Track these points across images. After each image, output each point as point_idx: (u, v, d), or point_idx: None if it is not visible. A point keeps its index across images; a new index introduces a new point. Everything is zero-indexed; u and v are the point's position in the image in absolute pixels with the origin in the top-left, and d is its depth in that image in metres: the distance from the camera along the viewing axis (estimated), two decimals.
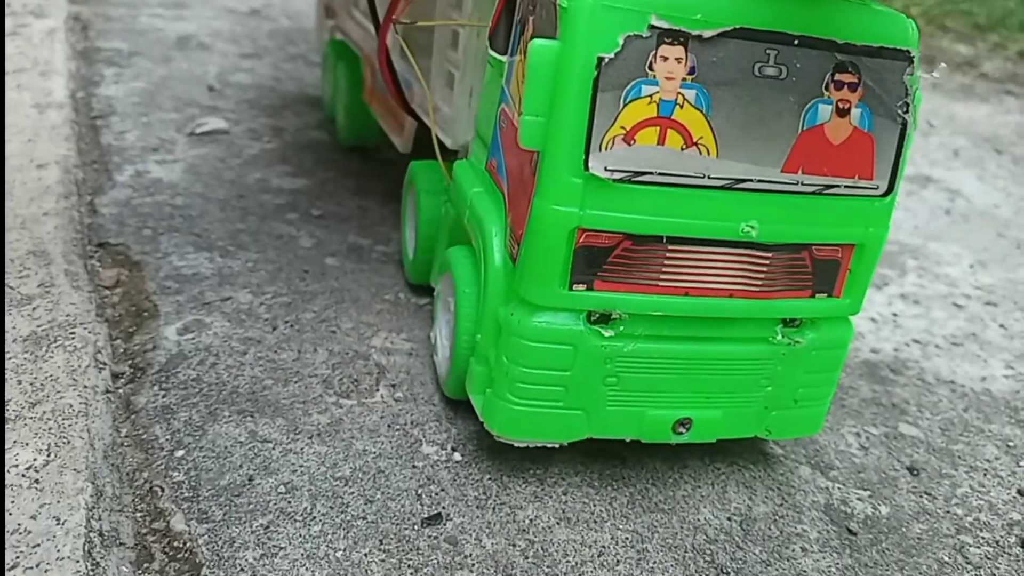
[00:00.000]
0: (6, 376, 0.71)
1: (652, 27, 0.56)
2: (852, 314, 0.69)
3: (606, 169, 0.58)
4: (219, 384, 0.77)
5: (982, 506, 0.76)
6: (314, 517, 0.63)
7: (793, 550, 0.67)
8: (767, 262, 0.64)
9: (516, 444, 0.68)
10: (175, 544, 0.60)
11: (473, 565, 0.61)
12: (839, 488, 0.75)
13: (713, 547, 0.66)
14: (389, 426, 0.74)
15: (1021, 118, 2.19)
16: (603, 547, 0.64)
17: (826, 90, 0.61)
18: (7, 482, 0.61)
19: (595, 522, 0.67)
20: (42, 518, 0.58)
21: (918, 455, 0.82)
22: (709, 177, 0.60)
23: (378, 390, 0.78)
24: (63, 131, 1.24)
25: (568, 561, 0.63)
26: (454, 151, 0.88)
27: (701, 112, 0.59)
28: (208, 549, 0.59)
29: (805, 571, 0.65)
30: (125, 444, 0.69)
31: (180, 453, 0.68)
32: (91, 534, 0.58)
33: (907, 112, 0.63)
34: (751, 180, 0.61)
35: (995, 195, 1.61)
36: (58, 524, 0.58)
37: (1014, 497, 0.78)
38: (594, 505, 0.68)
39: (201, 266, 0.96)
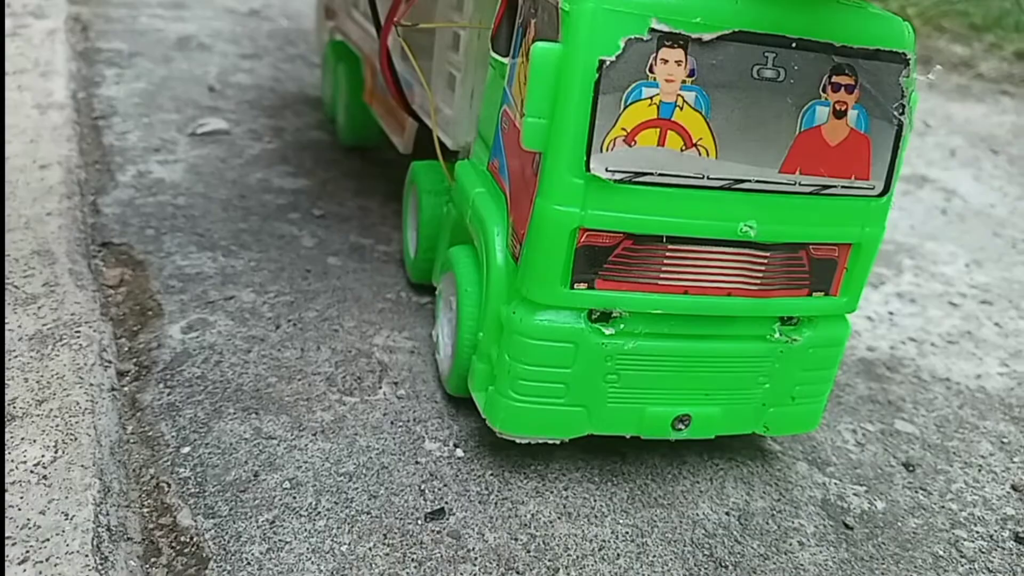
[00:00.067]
0: (14, 374, 0.72)
1: (652, 30, 0.57)
2: (849, 312, 0.70)
3: (607, 170, 0.59)
4: (224, 382, 0.77)
5: (976, 501, 0.77)
6: (319, 512, 0.64)
7: (790, 544, 0.68)
8: (765, 261, 0.65)
9: (518, 440, 0.69)
10: (182, 539, 0.61)
11: (476, 559, 0.62)
12: (836, 483, 0.76)
13: (712, 541, 0.67)
14: (392, 423, 0.75)
15: (1017, 118, 2.20)
16: (603, 541, 0.65)
17: (823, 92, 0.62)
18: (16, 478, 0.62)
19: (595, 517, 0.68)
20: (51, 513, 0.59)
21: (914, 451, 0.83)
22: (708, 178, 0.61)
23: (381, 387, 0.79)
24: (65, 131, 1.25)
25: (569, 555, 0.64)
26: (455, 152, 0.89)
27: (700, 114, 0.60)
28: (215, 543, 0.60)
29: (802, 564, 0.66)
30: (131, 441, 0.70)
31: (186, 450, 0.69)
32: (99, 529, 0.59)
33: (903, 113, 0.64)
34: (749, 181, 0.62)
35: (991, 195, 1.62)
36: (67, 519, 0.59)
37: (1008, 492, 0.79)
38: (594, 500, 0.69)
39: (204, 265, 0.97)
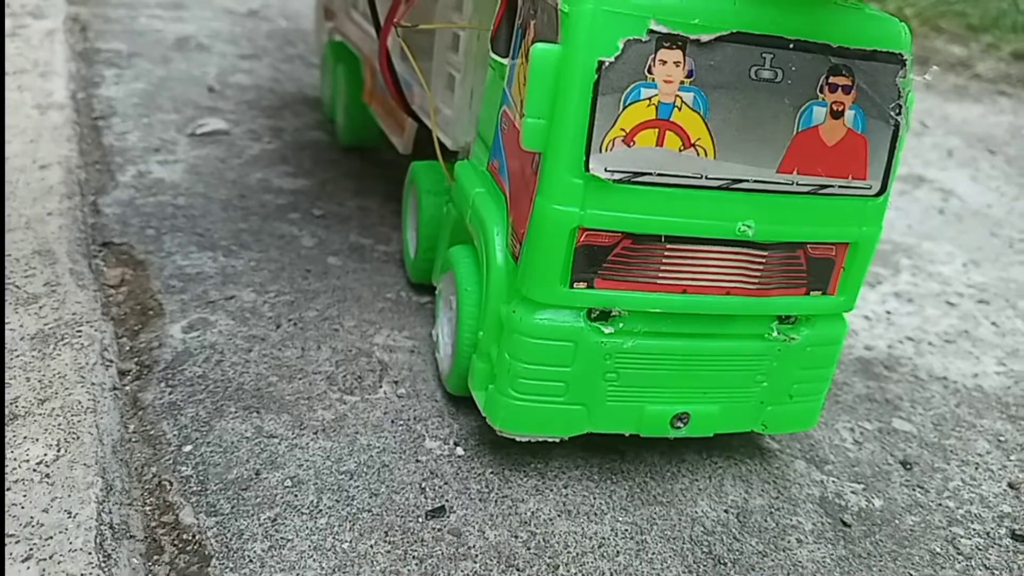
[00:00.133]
0: (16, 374, 0.72)
1: (651, 31, 0.58)
2: (846, 311, 0.71)
3: (606, 170, 0.60)
4: (225, 381, 0.78)
5: (973, 499, 0.77)
6: (320, 510, 0.65)
7: (789, 541, 0.69)
8: (763, 260, 0.65)
9: (518, 439, 0.69)
10: (184, 537, 0.61)
11: (476, 556, 0.62)
12: (833, 481, 0.77)
13: (711, 538, 0.68)
14: (392, 422, 0.75)
15: (1014, 118, 2.21)
16: (603, 538, 0.66)
17: (820, 92, 0.62)
18: (19, 477, 0.62)
19: (595, 514, 0.68)
20: (54, 511, 0.59)
21: (911, 449, 0.83)
22: (706, 177, 0.61)
23: (381, 386, 0.80)
24: (65, 132, 1.25)
25: (569, 552, 0.64)
26: (454, 152, 0.90)
27: (699, 114, 0.60)
28: (217, 541, 0.61)
29: (800, 562, 0.67)
30: (133, 440, 0.70)
31: (188, 448, 0.69)
32: (102, 527, 0.59)
33: (900, 114, 0.64)
34: (747, 180, 0.62)
35: (988, 195, 1.63)
36: (70, 517, 0.59)
37: (1004, 490, 0.79)
38: (594, 498, 0.70)
39: (205, 265, 0.97)
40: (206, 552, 0.60)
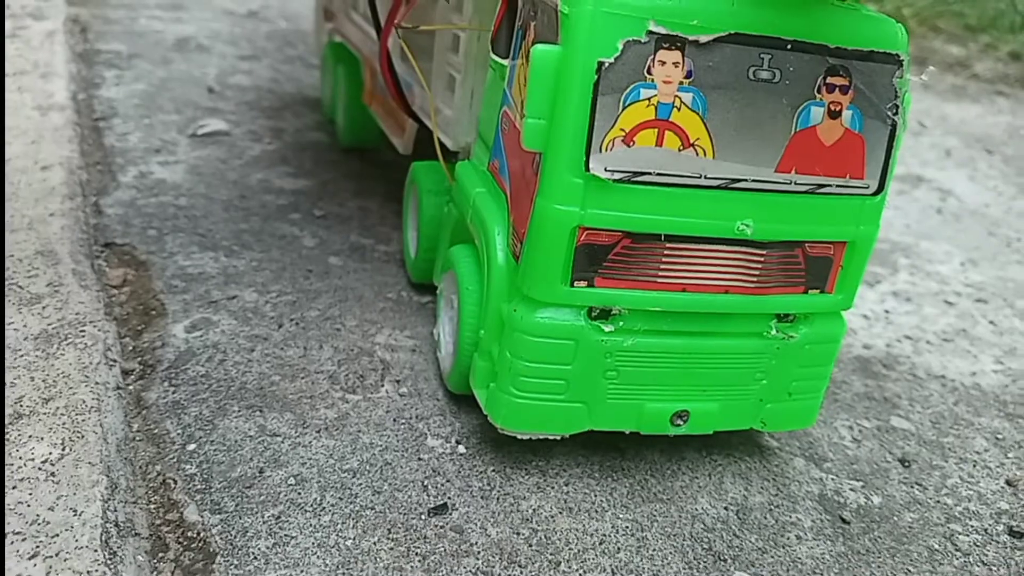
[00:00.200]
0: (20, 373, 0.72)
1: (650, 32, 0.58)
2: (844, 309, 0.71)
3: (606, 169, 0.60)
4: (228, 380, 0.78)
5: (971, 496, 0.78)
6: (324, 508, 0.65)
7: (788, 538, 0.69)
8: (762, 259, 0.66)
9: (519, 436, 0.70)
10: (189, 534, 0.62)
11: (479, 553, 0.63)
12: (832, 479, 0.77)
13: (711, 535, 0.68)
14: (395, 420, 0.76)
15: (1012, 118, 2.22)
16: (604, 535, 0.66)
17: (818, 93, 0.63)
18: (24, 475, 0.63)
19: (596, 511, 0.69)
20: (59, 509, 0.60)
21: (909, 447, 0.84)
22: (705, 177, 0.62)
23: (383, 385, 0.80)
24: (66, 133, 1.25)
25: (570, 549, 0.65)
26: (454, 152, 0.90)
27: (698, 114, 0.61)
28: (221, 538, 0.61)
29: (800, 558, 0.67)
30: (137, 439, 0.71)
31: (191, 447, 0.70)
32: (107, 525, 0.60)
33: (896, 114, 0.65)
34: (746, 180, 0.63)
35: (986, 194, 1.64)
36: (75, 515, 0.60)
37: (1002, 487, 0.80)
38: (595, 495, 0.70)
39: (207, 265, 0.97)
40: (211, 549, 0.61)
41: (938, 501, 0.77)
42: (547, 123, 0.60)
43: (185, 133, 1.36)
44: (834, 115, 0.63)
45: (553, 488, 0.70)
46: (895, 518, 0.74)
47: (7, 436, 0.66)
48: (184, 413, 0.74)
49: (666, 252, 0.64)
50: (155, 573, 0.59)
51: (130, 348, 0.82)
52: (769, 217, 0.64)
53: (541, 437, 0.70)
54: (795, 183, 0.64)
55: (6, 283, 0.85)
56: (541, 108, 0.60)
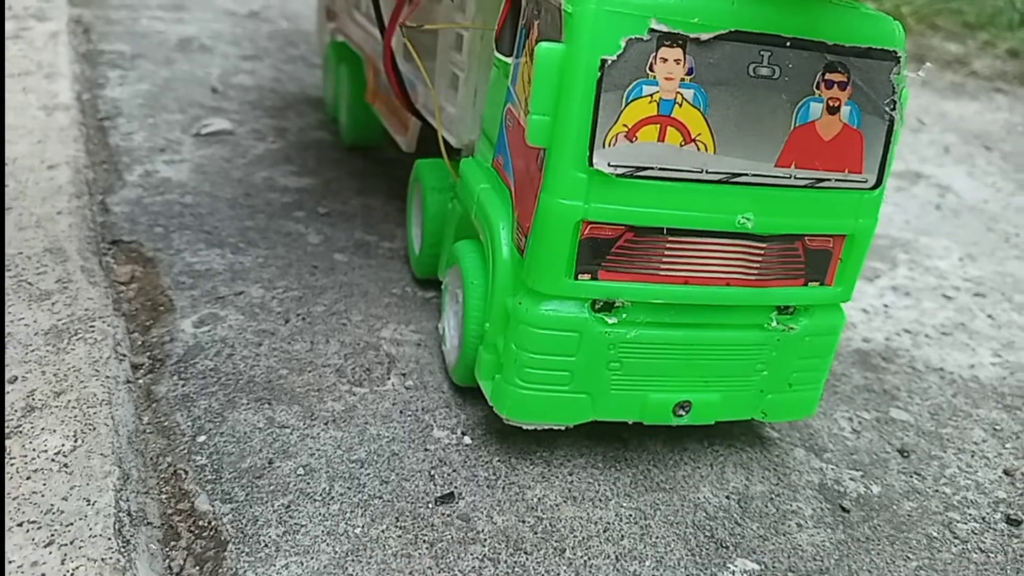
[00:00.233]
0: (31, 367, 0.73)
1: (652, 30, 0.60)
2: (843, 301, 0.73)
3: (609, 164, 0.61)
4: (236, 374, 0.80)
5: (969, 485, 0.79)
6: (332, 497, 0.66)
7: (789, 526, 0.70)
8: (762, 252, 0.67)
9: (524, 427, 0.71)
10: (200, 523, 0.63)
11: (485, 540, 0.64)
12: (832, 469, 0.79)
13: (713, 523, 0.69)
14: (401, 412, 0.77)
15: (1010, 115, 2.23)
16: (608, 523, 0.68)
17: (817, 89, 0.64)
18: (37, 466, 0.64)
19: (600, 500, 0.70)
20: (73, 499, 0.61)
21: (908, 438, 0.85)
22: (707, 172, 0.63)
23: (389, 378, 0.81)
24: (71, 132, 1.27)
25: (575, 536, 0.66)
26: (458, 150, 0.91)
27: (699, 110, 0.62)
28: (233, 527, 0.62)
29: (800, 545, 0.69)
30: (147, 431, 0.72)
31: (201, 438, 0.71)
32: (120, 514, 0.61)
33: (894, 109, 0.66)
34: (746, 174, 0.64)
35: (984, 190, 1.65)
36: (89, 505, 0.61)
37: (1000, 477, 0.81)
38: (598, 485, 0.72)
39: (213, 262, 0.99)
40: (222, 537, 0.62)
41: (937, 490, 0.78)
42: (551, 119, 0.61)
43: (189, 132, 1.37)
44: (833, 111, 0.65)
45: (558, 478, 0.72)
46: (894, 507, 0.75)
47: (20, 429, 0.67)
48: (194, 406, 0.75)
49: (668, 245, 0.65)
50: (168, 561, 0.60)
51: (139, 343, 0.83)
52: (769, 211, 0.65)
53: (546, 428, 0.71)
54: (795, 177, 0.65)
55: (16, 280, 0.86)
56: (545, 104, 0.61)
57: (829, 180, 0.66)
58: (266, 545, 0.61)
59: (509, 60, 0.72)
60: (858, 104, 0.65)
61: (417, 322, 0.92)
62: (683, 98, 0.61)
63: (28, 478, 0.62)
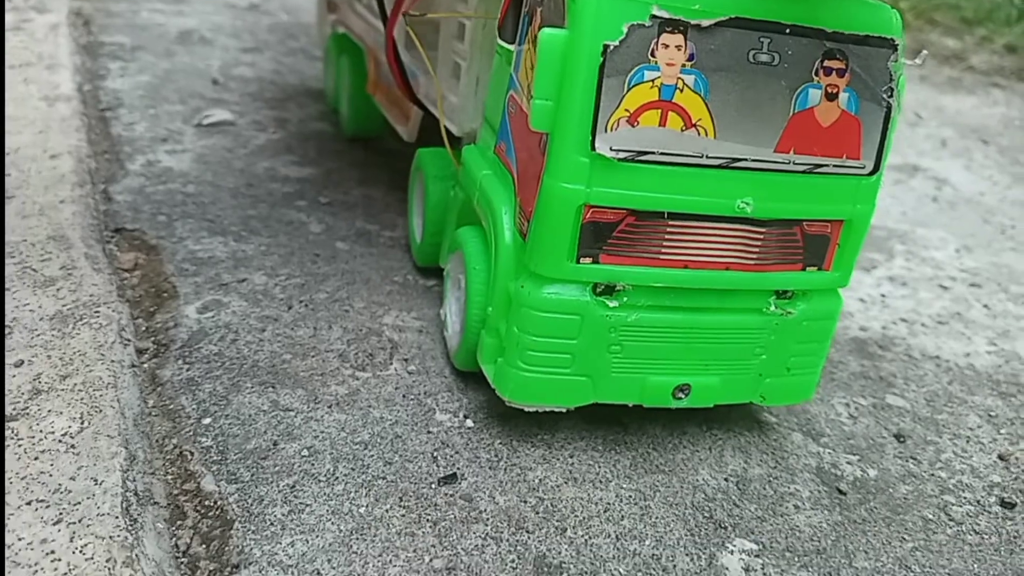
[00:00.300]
0: (37, 352, 0.74)
1: (654, 17, 0.60)
2: (841, 287, 0.74)
3: (611, 149, 0.62)
4: (240, 358, 0.80)
5: (965, 469, 0.80)
6: (337, 477, 0.67)
7: (786, 507, 0.71)
8: (761, 237, 0.68)
9: (526, 409, 0.72)
10: (206, 503, 0.64)
11: (488, 519, 0.65)
12: (829, 453, 0.80)
13: (711, 504, 0.70)
14: (404, 396, 0.78)
15: (1007, 109, 2.24)
16: (608, 504, 0.68)
17: (816, 76, 0.65)
18: (45, 447, 0.65)
19: (600, 482, 0.71)
20: (80, 479, 0.62)
21: (904, 424, 0.86)
22: (707, 156, 0.64)
23: (392, 364, 0.82)
24: (73, 123, 1.27)
25: (576, 516, 0.67)
26: (459, 138, 0.92)
27: (700, 96, 0.63)
28: (239, 506, 0.63)
29: (798, 526, 0.70)
30: (153, 414, 0.73)
31: (207, 421, 0.72)
32: (127, 494, 0.62)
33: (891, 96, 0.67)
34: (746, 159, 0.65)
35: (981, 183, 1.66)
36: (96, 484, 0.62)
37: (995, 461, 0.82)
38: (599, 467, 0.72)
39: (216, 250, 0.99)
40: (228, 517, 0.62)
41: (932, 474, 0.79)
42: (554, 104, 0.62)
43: (191, 123, 1.38)
44: (831, 97, 0.65)
45: (558, 460, 0.73)
46: (890, 490, 0.76)
47: (28, 411, 0.68)
48: (198, 389, 0.76)
49: (669, 229, 0.66)
50: (174, 539, 0.61)
51: (143, 328, 0.84)
52: (768, 196, 0.66)
53: (547, 410, 0.72)
54: (793, 163, 0.66)
55: (21, 267, 0.87)
56: (548, 90, 0.62)
57: (827, 166, 0.67)
58: (272, 524, 0.62)
59: (512, 47, 0.73)
60: (856, 91, 0.66)
61: (419, 309, 0.92)
62: (684, 84, 0.62)
63: (36, 458, 0.63)
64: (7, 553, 0.55)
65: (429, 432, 0.73)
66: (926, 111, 2.11)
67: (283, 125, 1.42)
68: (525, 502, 0.67)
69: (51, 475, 0.62)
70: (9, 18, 1.76)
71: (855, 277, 1.14)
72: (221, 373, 0.78)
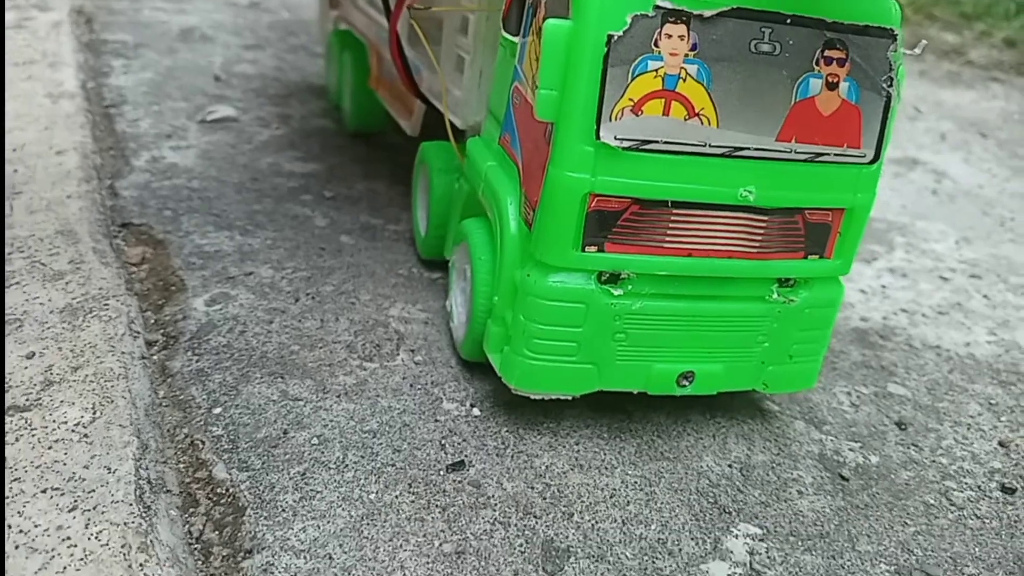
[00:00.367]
0: (48, 344, 0.75)
1: (657, 7, 0.61)
2: (842, 274, 0.74)
3: (616, 138, 0.63)
4: (249, 350, 0.81)
5: (965, 456, 0.81)
6: (347, 465, 0.68)
7: (790, 493, 0.72)
8: (763, 225, 0.69)
9: (532, 397, 0.73)
10: (218, 491, 0.65)
11: (496, 505, 0.66)
12: (832, 440, 0.80)
13: (716, 490, 0.71)
14: (411, 386, 0.79)
15: (1006, 103, 2.25)
16: (614, 490, 0.69)
17: (816, 65, 0.65)
18: (58, 437, 0.65)
19: (606, 468, 0.72)
20: (94, 468, 0.63)
21: (906, 412, 0.87)
22: (710, 145, 0.65)
23: (399, 354, 0.83)
24: (78, 119, 1.28)
25: (582, 501, 0.68)
26: (462, 131, 0.93)
27: (702, 85, 0.64)
28: (250, 493, 0.64)
29: (801, 511, 0.70)
30: (164, 404, 0.74)
31: (217, 411, 0.73)
32: (140, 481, 0.63)
33: (891, 86, 0.68)
34: (748, 148, 0.66)
35: (980, 176, 1.67)
36: (110, 472, 0.62)
37: (995, 448, 0.83)
38: (604, 454, 0.73)
39: (222, 244, 1.00)
40: (240, 504, 0.63)
41: (934, 461, 0.80)
42: (559, 94, 0.63)
43: (194, 119, 1.38)
44: (832, 86, 0.66)
45: (564, 447, 0.73)
46: (892, 476, 0.77)
47: (40, 401, 0.68)
48: (208, 380, 0.76)
49: (672, 218, 0.67)
50: (187, 526, 0.62)
51: (152, 321, 0.85)
52: (770, 184, 0.67)
53: (553, 398, 0.73)
54: (795, 151, 0.67)
55: (29, 261, 0.87)
56: (553, 80, 0.63)
57: (828, 154, 0.68)
58: (283, 510, 0.63)
59: (516, 39, 0.73)
60: (856, 80, 0.67)
61: (424, 301, 0.93)
62: (687, 73, 0.63)
63: (50, 448, 0.64)
64: (24, 540, 0.56)
65: (436, 420, 0.74)
66: (925, 105, 2.12)
67: (286, 121, 1.43)
68: (532, 488, 0.68)
69: (65, 464, 0.63)
70: (11, 16, 1.76)
71: (856, 269, 1.15)
72: (230, 364, 0.79)
